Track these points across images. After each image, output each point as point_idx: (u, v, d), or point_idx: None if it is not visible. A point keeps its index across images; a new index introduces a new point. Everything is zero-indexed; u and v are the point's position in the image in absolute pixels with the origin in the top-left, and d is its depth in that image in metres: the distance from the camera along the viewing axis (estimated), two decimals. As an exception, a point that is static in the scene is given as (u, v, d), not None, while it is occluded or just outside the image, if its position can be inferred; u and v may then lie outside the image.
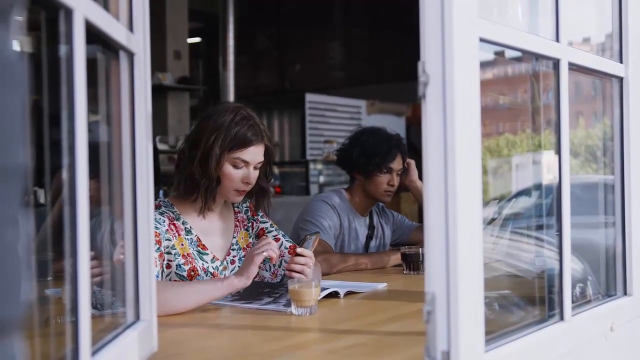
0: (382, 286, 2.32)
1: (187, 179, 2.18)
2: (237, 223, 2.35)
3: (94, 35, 1.10)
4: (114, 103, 1.35)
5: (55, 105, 1.02)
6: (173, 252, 2.12)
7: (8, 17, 0.58)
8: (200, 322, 1.80)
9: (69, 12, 0.99)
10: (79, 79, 1.01)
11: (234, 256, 2.30)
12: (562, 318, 1.50)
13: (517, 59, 1.72)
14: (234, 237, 2.32)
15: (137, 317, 1.36)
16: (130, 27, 1.34)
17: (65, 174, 1.00)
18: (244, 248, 2.32)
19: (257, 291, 2.08)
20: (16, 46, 0.59)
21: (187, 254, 2.16)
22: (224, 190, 2.20)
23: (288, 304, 1.88)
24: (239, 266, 2.26)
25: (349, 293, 2.15)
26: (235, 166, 2.16)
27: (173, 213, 2.19)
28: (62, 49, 1.01)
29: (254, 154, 2.18)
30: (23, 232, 0.58)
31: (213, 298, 1.94)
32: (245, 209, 2.39)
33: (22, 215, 0.58)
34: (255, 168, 2.20)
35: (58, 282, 1.38)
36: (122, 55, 1.33)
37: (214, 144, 2.12)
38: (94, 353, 1.08)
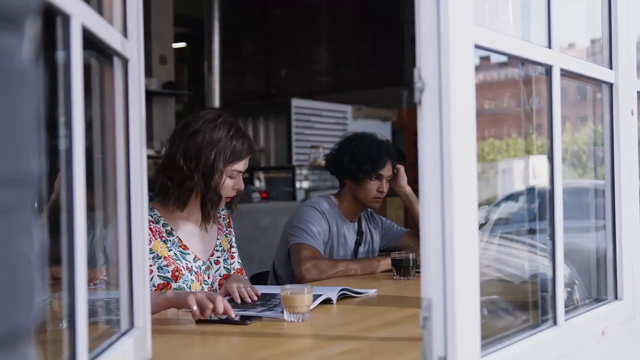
0: (372, 292, 2.32)
1: (188, 192, 2.22)
2: (220, 226, 2.43)
3: (88, 40, 1.10)
4: (107, 109, 1.34)
5: (50, 110, 1.01)
6: (151, 255, 2.14)
7: (22, 26, 0.57)
8: (194, 330, 1.79)
9: (66, 19, 0.98)
10: (76, 84, 1.00)
11: (218, 257, 2.37)
12: (555, 323, 1.51)
13: (503, 65, 1.73)
14: (218, 239, 2.39)
15: (132, 325, 1.36)
16: (125, 33, 1.34)
17: (62, 180, 0.99)
18: (227, 250, 2.40)
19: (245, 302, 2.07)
20: (29, 54, 0.59)
21: (169, 256, 2.20)
22: None
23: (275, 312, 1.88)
24: (224, 267, 2.36)
25: (342, 297, 2.15)
26: (231, 177, 2.26)
27: (152, 216, 2.23)
28: (59, 55, 1.00)
29: (246, 163, 2.30)
30: (36, 240, 0.58)
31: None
32: (223, 216, 2.47)
33: (35, 224, 0.58)
34: (242, 175, 2.32)
35: (50, 288, 1.36)
36: (116, 62, 1.32)
37: (216, 160, 2.20)
38: (90, 361, 1.07)
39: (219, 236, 2.39)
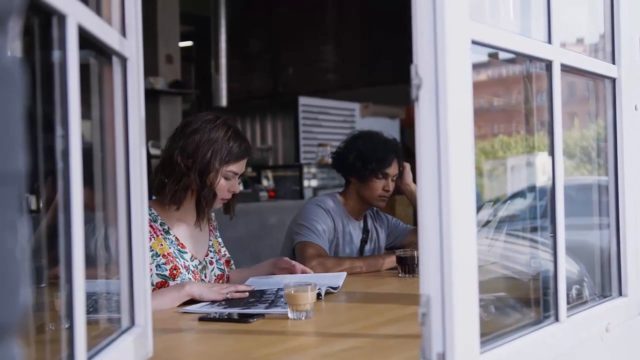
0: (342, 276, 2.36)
1: (183, 189, 2.25)
2: (211, 228, 2.47)
3: (86, 40, 1.10)
4: (106, 108, 1.35)
5: (47, 110, 1.02)
6: (150, 253, 2.17)
7: (6, 24, 0.58)
8: (195, 328, 1.80)
9: (62, 18, 0.98)
10: (73, 84, 1.01)
11: (211, 257, 2.41)
12: (557, 319, 1.50)
13: (511, 61, 1.73)
14: (210, 240, 2.44)
15: (132, 323, 1.36)
16: (123, 32, 1.34)
17: (60, 180, 0.99)
18: (217, 252, 2.44)
19: (243, 301, 2.07)
20: (14, 52, 0.60)
21: (168, 254, 2.24)
22: None
23: (285, 307, 1.87)
24: (217, 267, 2.41)
25: (327, 293, 2.18)
26: (226, 178, 2.29)
27: (150, 215, 2.24)
28: (55, 54, 1.01)
29: (243, 165, 2.33)
30: (21, 237, 0.59)
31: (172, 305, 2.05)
32: (212, 218, 2.51)
33: (20, 221, 0.59)
34: (239, 178, 2.34)
35: (53, 288, 1.37)
36: (115, 61, 1.32)
37: (213, 159, 2.23)
38: (89, 359, 1.08)
39: (210, 237, 2.44)
